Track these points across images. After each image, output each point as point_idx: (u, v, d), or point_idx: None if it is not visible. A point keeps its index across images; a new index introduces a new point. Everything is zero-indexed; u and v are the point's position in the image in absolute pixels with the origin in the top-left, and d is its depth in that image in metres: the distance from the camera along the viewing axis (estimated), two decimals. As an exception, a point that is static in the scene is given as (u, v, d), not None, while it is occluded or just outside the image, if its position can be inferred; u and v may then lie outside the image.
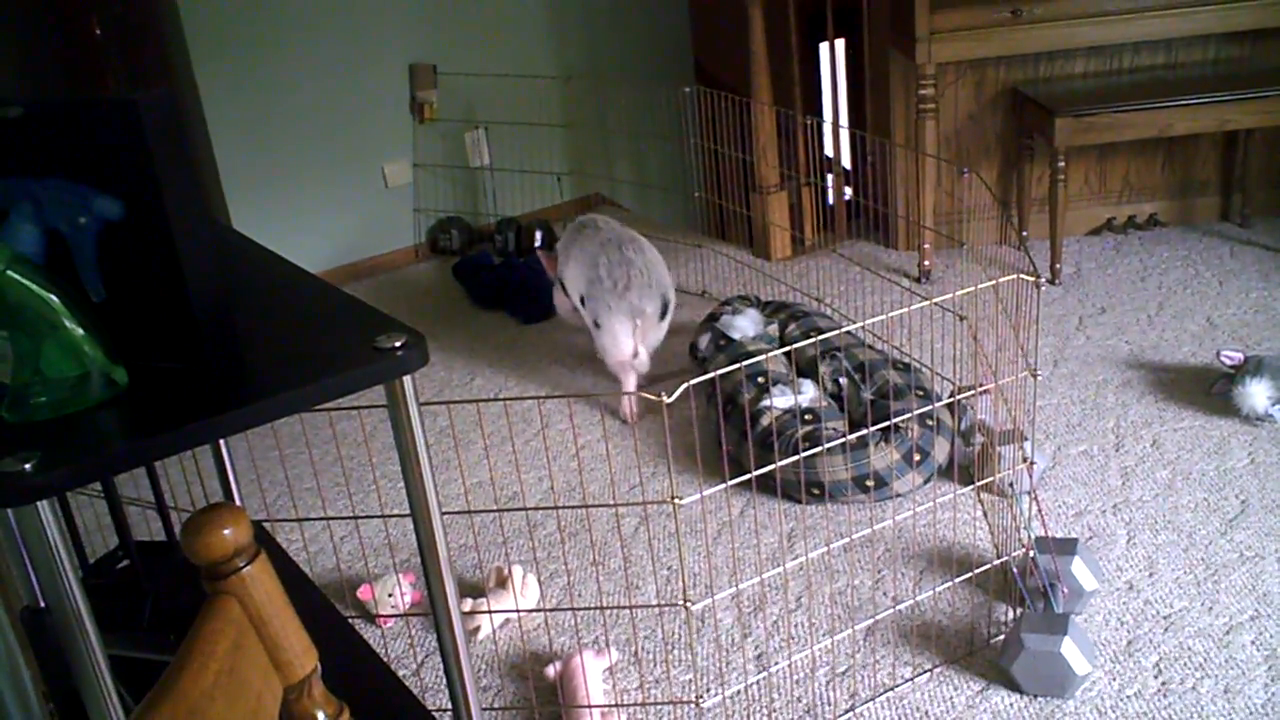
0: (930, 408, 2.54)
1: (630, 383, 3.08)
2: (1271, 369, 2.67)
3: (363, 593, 2.37)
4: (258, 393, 1.11)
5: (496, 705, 2.10)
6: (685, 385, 1.74)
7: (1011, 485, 2.44)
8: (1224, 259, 3.62)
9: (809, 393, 2.76)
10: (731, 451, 2.68)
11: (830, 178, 4.22)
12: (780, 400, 2.69)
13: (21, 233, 1.12)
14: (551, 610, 2.35)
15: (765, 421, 2.64)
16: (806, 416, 2.64)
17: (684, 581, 2.33)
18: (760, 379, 2.76)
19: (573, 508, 2.66)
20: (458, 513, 2.66)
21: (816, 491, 2.53)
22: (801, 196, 4.03)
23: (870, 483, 2.50)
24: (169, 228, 1.11)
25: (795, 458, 2.43)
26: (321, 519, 2.70)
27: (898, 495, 2.54)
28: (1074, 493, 2.53)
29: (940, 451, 2.57)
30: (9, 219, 1.13)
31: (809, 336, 2.95)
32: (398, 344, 1.17)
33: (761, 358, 2.07)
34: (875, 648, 2.13)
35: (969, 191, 3.78)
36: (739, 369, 2.69)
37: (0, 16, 3.00)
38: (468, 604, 2.31)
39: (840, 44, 4.57)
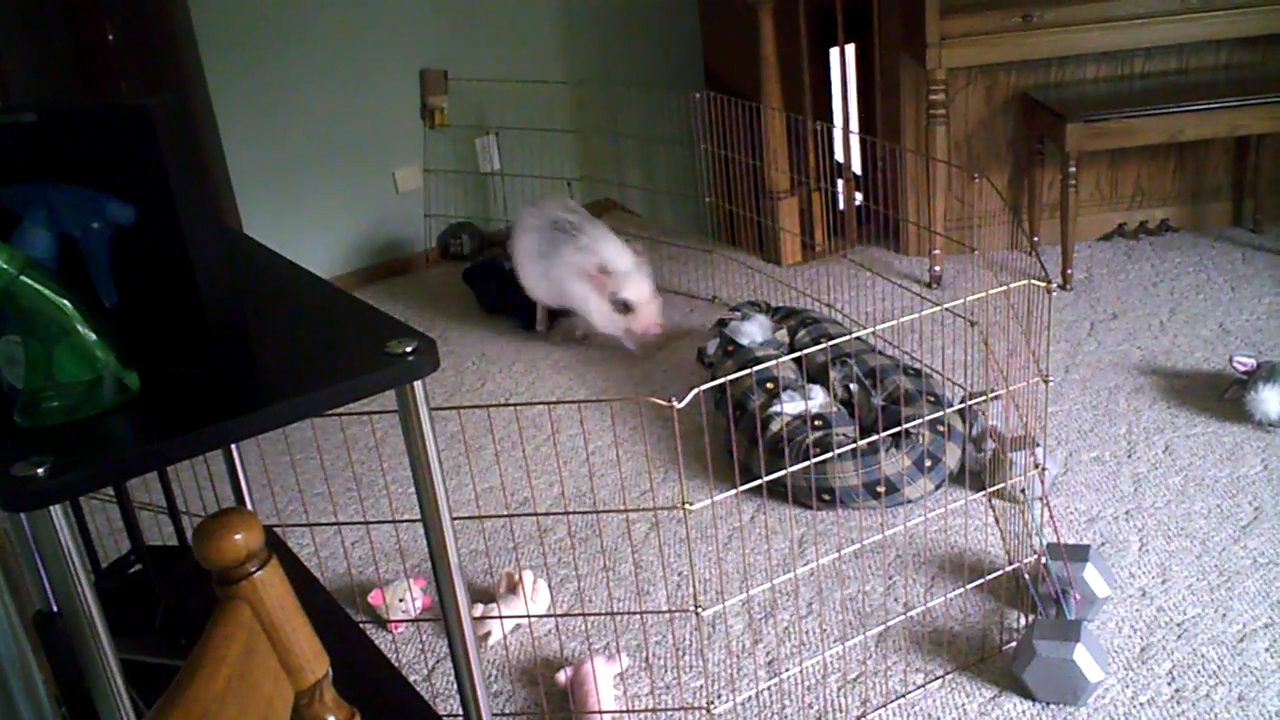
0: (942, 414, 2.53)
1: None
2: (1285, 375, 2.66)
3: (374, 598, 2.38)
4: (269, 398, 1.11)
5: (508, 711, 2.10)
6: (695, 390, 1.74)
7: (1023, 491, 2.44)
8: (1236, 264, 3.61)
9: (819, 399, 2.75)
10: (741, 458, 2.67)
11: (840, 183, 4.22)
12: (790, 406, 2.68)
13: (34, 238, 1.13)
14: (562, 616, 2.35)
15: (775, 427, 2.64)
16: (816, 422, 2.63)
17: (695, 587, 2.32)
18: (769, 385, 2.75)
19: (583, 513, 2.66)
20: (468, 518, 2.66)
21: (827, 498, 2.52)
22: (812, 202, 4.03)
23: (881, 488, 2.49)
24: (181, 233, 1.11)
25: (806, 464, 2.43)
26: (333, 524, 2.70)
27: (909, 501, 2.53)
28: (1086, 499, 2.52)
29: (951, 457, 2.56)
30: (22, 224, 1.13)
31: (819, 343, 2.94)
32: (409, 349, 1.17)
33: (772, 363, 2.06)
34: (887, 654, 2.12)
35: (980, 197, 3.77)
36: (749, 374, 2.68)
37: (14, 22, 3.01)
38: (478, 609, 2.31)
39: (850, 49, 4.57)
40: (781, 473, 2.08)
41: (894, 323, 2.10)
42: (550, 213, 3.47)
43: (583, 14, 4.62)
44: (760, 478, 2.08)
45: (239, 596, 0.87)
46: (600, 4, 4.65)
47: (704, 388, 1.78)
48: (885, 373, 2.77)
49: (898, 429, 2.45)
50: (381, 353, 1.17)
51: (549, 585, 2.42)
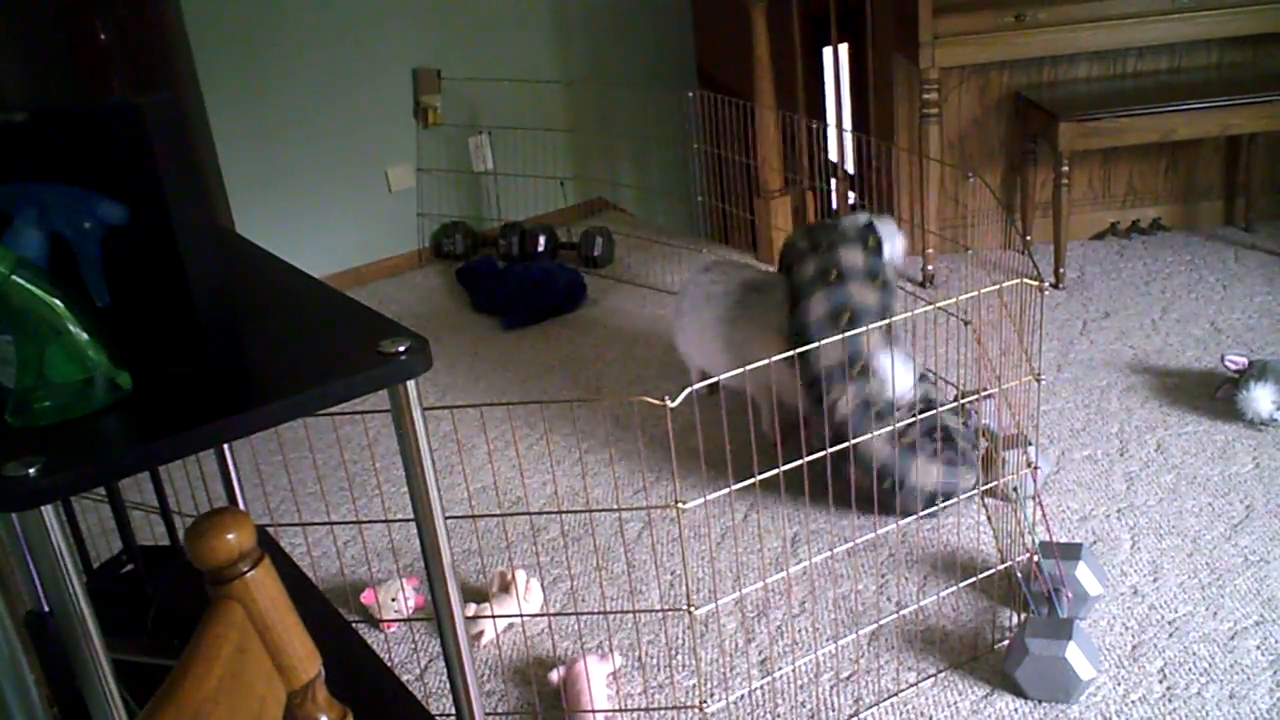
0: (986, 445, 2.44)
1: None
2: (1276, 374, 2.66)
3: (366, 597, 2.37)
4: (261, 397, 1.11)
5: (500, 710, 2.10)
6: (688, 390, 1.74)
7: (1015, 490, 2.44)
8: (1228, 263, 3.62)
9: (906, 381, 2.46)
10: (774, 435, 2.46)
11: (834, 182, 4.22)
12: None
13: (26, 237, 1.13)
14: (555, 615, 2.35)
15: (843, 411, 2.38)
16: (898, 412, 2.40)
17: (687, 586, 2.33)
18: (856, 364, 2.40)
19: (576, 512, 2.66)
20: (461, 517, 2.66)
21: (886, 484, 2.38)
22: (805, 201, 4.03)
23: (940, 499, 2.39)
24: (173, 232, 1.11)
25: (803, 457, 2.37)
26: (325, 524, 2.70)
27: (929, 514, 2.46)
28: (1078, 497, 2.53)
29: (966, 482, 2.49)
30: (13, 224, 1.13)
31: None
32: (401, 349, 1.17)
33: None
34: (879, 653, 2.12)
35: (973, 196, 3.78)
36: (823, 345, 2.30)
37: (5, 21, 3.01)
38: (471, 609, 2.31)
39: (844, 48, 4.58)
40: (772, 472, 2.03)
41: (888, 321, 2.10)
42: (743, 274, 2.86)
43: (575, 13, 4.62)
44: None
45: (231, 596, 0.87)
46: (593, 3, 4.65)
47: (696, 386, 1.78)
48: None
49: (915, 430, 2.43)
50: (374, 352, 1.17)
51: (542, 584, 2.42)
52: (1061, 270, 3.58)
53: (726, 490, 1.96)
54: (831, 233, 2.58)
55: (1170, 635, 2.08)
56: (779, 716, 2.00)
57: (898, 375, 2.43)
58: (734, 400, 2.86)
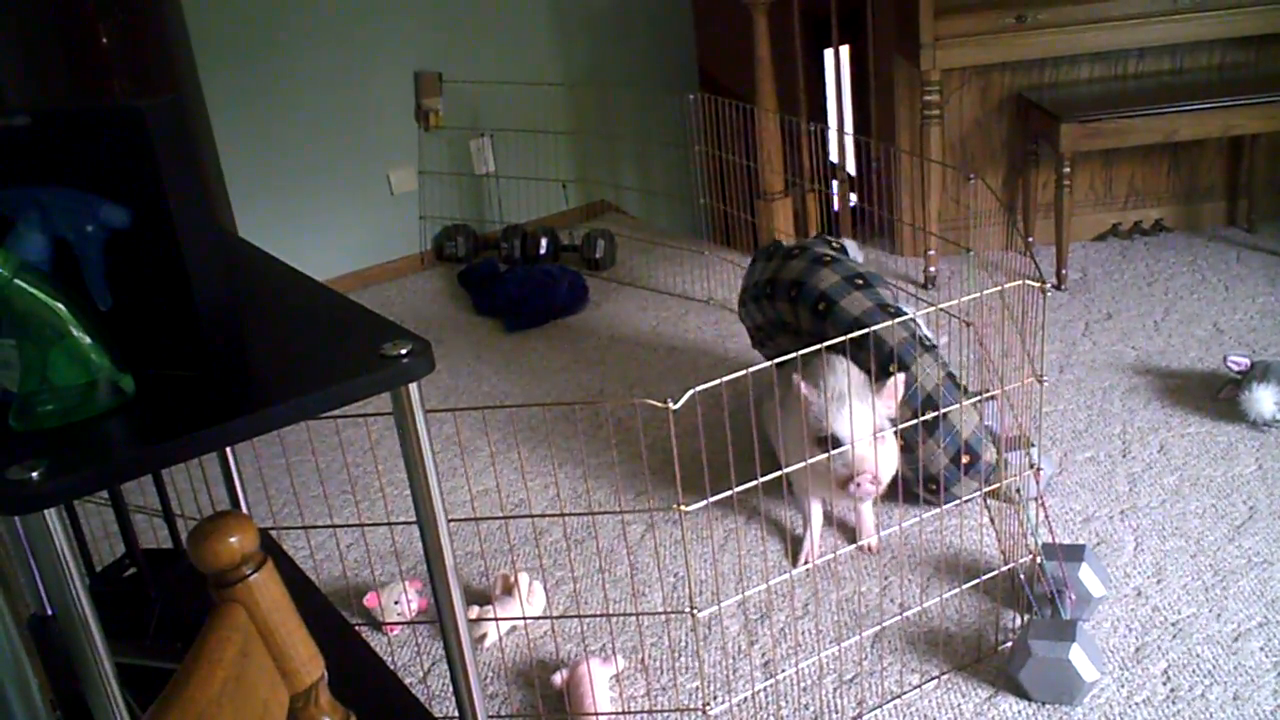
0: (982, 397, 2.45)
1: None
2: (1278, 375, 2.66)
3: (369, 600, 2.37)
4: (264, 400, 1.11)
5: (503, 713, 2.09)
6: (690, 391, 1.74)
7: (1018, 491, 2.44)
8: (1230, 264, 3.61)
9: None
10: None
11: (835, 184, 4.22)
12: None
13: (28, 241, 1.13)
14: (558, 617, 2.34)
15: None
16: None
17: (690, 588, 2.32)
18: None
19: (579, 515, 2.65)
20: (464, 520, 2.66)
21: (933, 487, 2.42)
22: (806, 203, 4.03)
23: (965, 457, 2.40)
24: (175, 235, 1.11)
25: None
26: (328, 526, 2.70)
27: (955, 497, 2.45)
28: (1081, 499, 2.52)
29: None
30: (16, 227, 1.13)
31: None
32: (404, 351, 1.17)
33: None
34: (882, 655, 2.12)
35: (974, 197, 3.78)
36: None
37: (6, 24, 3.01)
38: (474, 611, 2.31)
39: (845, 50, 4.57)
40: (769, 476, 2.06)
41: (890, 323, 2.10)
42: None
43: (576, 15, 4.62)
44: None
45: (234, 600, 0.87)
46: (594, 5, 4.66)
47: (700, 389, 1.78)
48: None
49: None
50: (377, 355, 1.17)
51: (545, 587, 2.42)
52: (1064, 271, 3.58)
53: (729, 493, 1.96)
54: (789, 247, 2.65)
55: (1174, 637, 2.08)
56: (782, 718, 2.00)
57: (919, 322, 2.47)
58: (737, 405, 2.86)
